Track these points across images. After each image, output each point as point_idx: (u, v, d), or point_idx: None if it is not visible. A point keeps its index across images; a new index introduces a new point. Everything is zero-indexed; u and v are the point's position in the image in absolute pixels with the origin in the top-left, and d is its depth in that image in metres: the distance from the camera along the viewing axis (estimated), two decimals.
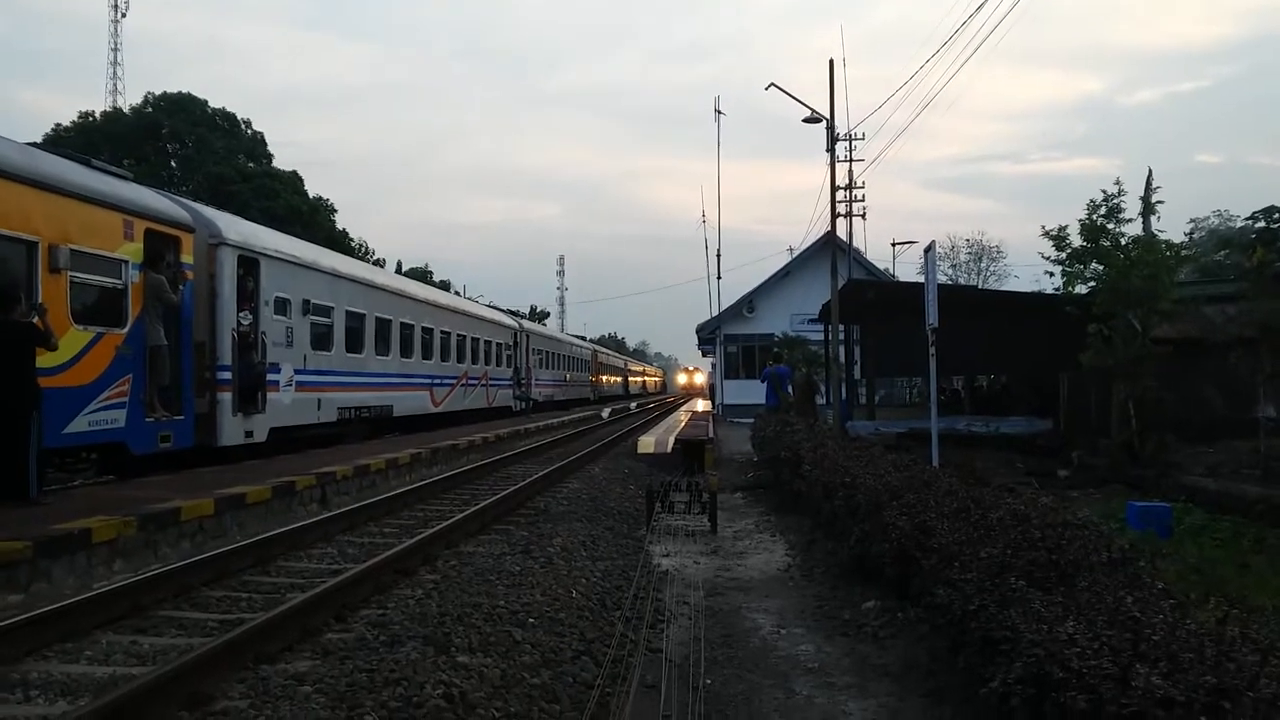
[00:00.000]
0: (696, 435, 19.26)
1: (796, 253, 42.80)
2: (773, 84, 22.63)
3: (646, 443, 19.15)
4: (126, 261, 12.07)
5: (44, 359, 9.98)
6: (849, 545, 7.96)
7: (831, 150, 21.15)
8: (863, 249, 40.18)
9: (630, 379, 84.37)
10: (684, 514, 12.14)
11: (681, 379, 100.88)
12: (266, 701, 4.70)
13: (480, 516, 10.91)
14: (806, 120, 21.36)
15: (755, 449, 18.92)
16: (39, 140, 45.80)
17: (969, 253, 70.28)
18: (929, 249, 15.09)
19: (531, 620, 6.26)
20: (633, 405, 54.19)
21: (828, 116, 20.83)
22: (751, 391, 31.48)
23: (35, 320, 9.65)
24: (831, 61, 20.90)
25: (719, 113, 43.88)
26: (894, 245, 55.23)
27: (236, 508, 10.28)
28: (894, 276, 45.37)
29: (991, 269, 69.43)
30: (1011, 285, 59.51)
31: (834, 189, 21.98)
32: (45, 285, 10.44)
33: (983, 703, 4.05)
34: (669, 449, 18.40)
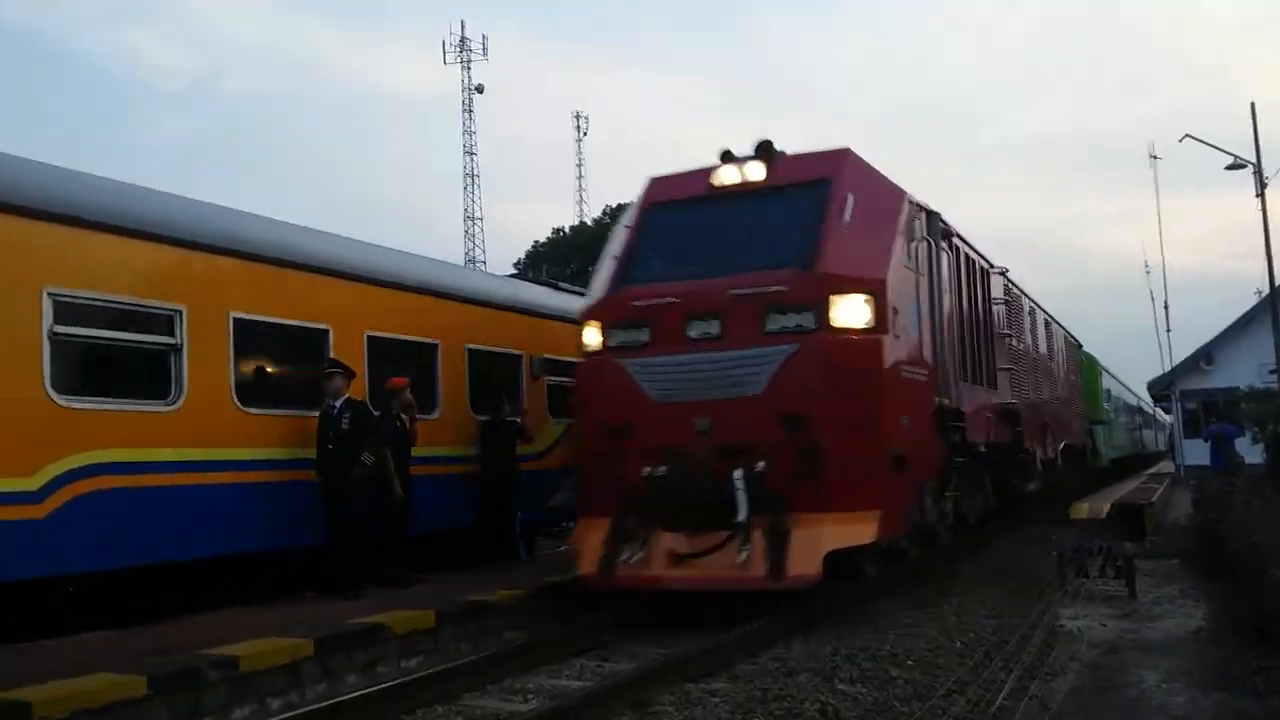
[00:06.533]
0: (1135, 500, 18.38)
1: (1264, 295, 38.28)
2: (1187, 135, 21.47)
3: (1080, 508, 18.62)
4: None
5: (530, 447, 12.62)
6: (1250, 606, 7.85)
7: (1261, 195, 19.51)
8: None
9: None
10: (1101, 579, 12.04)
11: None
12: (687, 706, 6.14)
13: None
14: (1229, 167, 19.90)
15: (1196, 513, 17.70)
16: (523, 255, 53.80)
17: None
18: None
19: (910, 662, 7.15)
20: None
21: (1254, 162, 19.30)
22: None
23: (519, 419, 12.29)
24: (1253, 104, 19.37)
25: (1154, 158, 40.95)
26: None
27: None
28: None
29: None
30: None
31: (1267, 238, 20.14)
32: (527, 388, 13.17)
33: None
34: (1104, 514, 17.80)
